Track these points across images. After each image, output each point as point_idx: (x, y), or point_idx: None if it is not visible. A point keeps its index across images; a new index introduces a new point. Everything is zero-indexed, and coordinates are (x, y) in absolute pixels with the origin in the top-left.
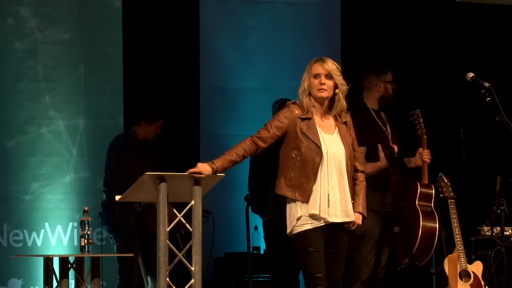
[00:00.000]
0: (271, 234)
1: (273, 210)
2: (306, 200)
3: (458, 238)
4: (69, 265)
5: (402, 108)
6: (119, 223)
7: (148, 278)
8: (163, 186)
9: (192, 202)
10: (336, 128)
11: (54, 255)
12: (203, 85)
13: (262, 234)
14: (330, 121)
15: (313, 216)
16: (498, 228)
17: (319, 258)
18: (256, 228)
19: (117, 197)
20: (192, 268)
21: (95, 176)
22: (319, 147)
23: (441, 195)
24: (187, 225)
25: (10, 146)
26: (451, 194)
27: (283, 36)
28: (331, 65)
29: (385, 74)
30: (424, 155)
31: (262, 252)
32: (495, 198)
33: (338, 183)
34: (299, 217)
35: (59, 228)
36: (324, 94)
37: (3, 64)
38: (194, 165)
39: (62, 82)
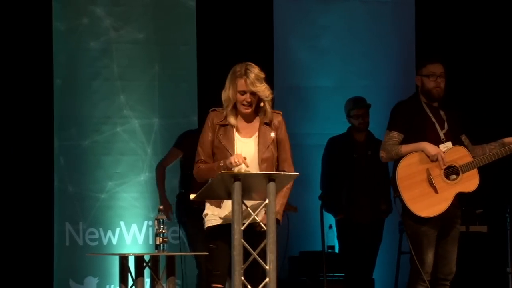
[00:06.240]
0: (344, 233)
1: (346, 209)
2: (218, 205)
3: None
4: (145, 264)
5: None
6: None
7: None
8: (237, 185)
9: (267, 201)
10: (257, 131)
11: (130, 254)
12: (277, 84)
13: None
14: (254, 123)
15: (220, 216)
16: None
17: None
18: (330, 227)
19: (192, 196)
20: (267, 267)
21: (169, 175)
22: (230, 154)
23: None
24: (261, 224)
25: (86, 145)
26: None
27: (356, 34)
28: (255, 82)
29: (422, 68)
30: None
31: (336, 251)
32: None
33: None
34: (206, 214)
35: (134, 226)
36: (248, 111)
37: (78, 63)
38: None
39: (137, 81)
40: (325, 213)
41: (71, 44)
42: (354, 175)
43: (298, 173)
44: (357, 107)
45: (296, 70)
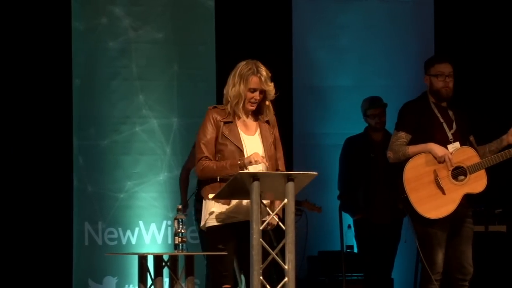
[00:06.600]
0: (362, 233)
1: (363, 209)
2: (228, 203)
3: None
4: (164, 263)
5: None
6: None
7: (242, 276)
8: (256, 184)
9: (286, 201)
10: (258, 128)
11: (149, 253)
12: (295, 84)
13: None
14: (253, 120)
15: (227, 214)
16: None
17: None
18: (349, 226)
19: (210, 196)
20: (286, 267)
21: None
22: (241, 150)
23: None
24: (280, 223)
25: (105, 145)
26: None
27: (375, 34)
28: (267, 80)
29: (431, 67)
30: None
31: (355, 250)
32: None
33: None
34: (211, 212)
35: (153, 226)
36: (253, 108)
37: (97, 63)
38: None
39: (156, 81)
40: (344, 212)
41: (90, 44)
42: (371, 175)
43: (317, 173)
44: (373, 107)
45: (315, 69)
